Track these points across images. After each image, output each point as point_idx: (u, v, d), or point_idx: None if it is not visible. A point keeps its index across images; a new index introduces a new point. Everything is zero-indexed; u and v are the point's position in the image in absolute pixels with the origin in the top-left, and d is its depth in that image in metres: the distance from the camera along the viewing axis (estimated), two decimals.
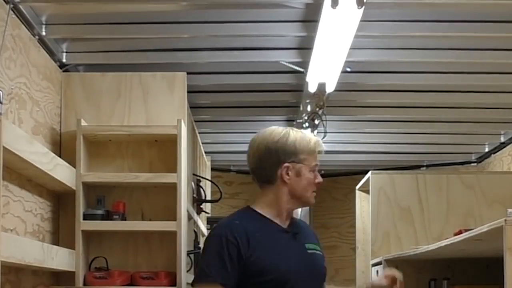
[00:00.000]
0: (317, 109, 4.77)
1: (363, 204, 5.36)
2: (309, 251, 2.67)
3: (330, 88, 4.18)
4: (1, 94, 2.72)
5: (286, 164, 2.56)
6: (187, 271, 3.93)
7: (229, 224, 2.59)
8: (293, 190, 2.59)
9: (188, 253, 4.02)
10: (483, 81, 4.44)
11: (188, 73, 3.91)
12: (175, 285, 3.62)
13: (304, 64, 3.96)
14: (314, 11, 3.30)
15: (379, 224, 4.62)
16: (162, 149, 3.81)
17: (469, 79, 4.40)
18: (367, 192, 4.97)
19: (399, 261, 4.17)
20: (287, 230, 2.65)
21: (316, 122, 4.90)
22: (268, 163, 2.58)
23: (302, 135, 2.59)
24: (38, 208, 3.36)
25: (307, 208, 7.78)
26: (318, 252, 2.72)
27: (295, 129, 2.63)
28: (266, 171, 2.59)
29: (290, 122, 5.50)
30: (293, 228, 2.68)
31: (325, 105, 4.69)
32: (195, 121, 4.81)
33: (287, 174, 2.56)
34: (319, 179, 2.62)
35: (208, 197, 5.17)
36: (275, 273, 2.51)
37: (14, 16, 3.07)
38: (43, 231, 3.44)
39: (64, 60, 3.85)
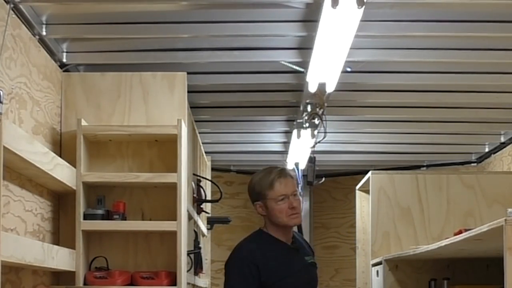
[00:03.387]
0: (317, 109, 4.77)
1: (363, 204, 5.36)
2: (309, 262, 3.14)
3: (330, 88, 4.18)
4: (1, 94, 2.71)
5: (256, 203, 3.05)
6: (187, 271, 3.93)
7: (246, 248, 3.04)
8: (271, 219, 3.04)
9: (188, 253, 4.02)
10: (483, 81, 4.44)
11: (188, 73, 3.92)
12: (175, 285, 3.62)
13: (304, 64, 3.96)
14: (314, 11, 3.30)
15: (379, 224, 4.62)
16: (162, 149, 3.81)
17: (469, 79, 4.40)
18: (367, 192, 4.97)
19: (399, 261, 4.18)
20: (292, 247, 3.09)
21: (316, 122, 4.90)
22: (251, 202, 3.10)
23: (263, 176, 3.04)
24: (38, 208, 3.37)
25: (308, 208, 7.78)
26: (313, 262, 3.18)
27: (266, 167, 3.10)
28: (254, 208, 3.10)
29: (290, 122, 5.50)
30: (295, 243, 3.12)
31: (325, 105, 4.69)
32: (195, 121, 4.81)
33: (261, 209, 3.04)
34: (292, 204, 3.00)
35: (208, 197, 5.17)
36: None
37: (14, 16, 3.07)
38: (43, 230, 3.45)
39: (64, 60, 3.85)
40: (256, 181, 3.04)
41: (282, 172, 3.03)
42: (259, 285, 2.93)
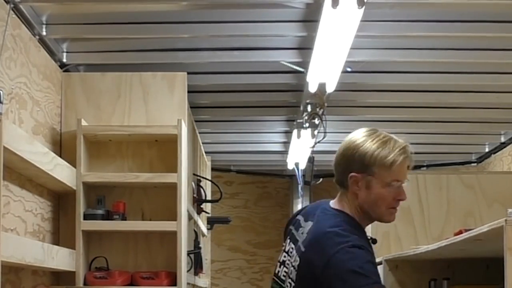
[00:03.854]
0: (317, 109, 4.77)
1: None
2: None
3: (330, 88, 4.18)
4: (1, 94, 2.71)
5: (353, 174, 2.30)
6: (187, 271, 3.93)
7: (358, 238, 2.30)
8: (363, 203, 2.34)
9: (188, 253, 4.02)
10: (483, 81, 4.45)
11: (188, 73, 3.92)
12: (175, 285, 3.62)
13: (304, 64, 3.96)
14: (314, 11, 3.30)
15: (379, 224, 4.60)
16: (162, 149, 3.81)
17: (469, 79, 4.40)
18: None
19: (399, 261, 4.17)
20: (372, 239, 2.49)
21: (316, 122, 4.90)
22: (340, 168, 2.35)
23: (382, 147, 2.29)
24: (38, 208, 3.36)
25: None
26: None
27: (383, 135, 2.33)
28: (340, 176, 2.36)
29: (290, 122, 5.50)
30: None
31: (325, 105, 4.69)
32: (195, 121, 4.81)
33: (356, 184, 2.32)
34: (402, 196, 2.34)
35: (208, 197, 5.17)
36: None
37: (14, 16, 3.07)
38: (43, 231, 3.44)
39: (64, 60, 3.85)
40: (370, 149, 2.28)
41: (408, 151, 2.31)
42: None
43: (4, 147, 2.46)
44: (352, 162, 2.30)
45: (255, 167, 7.47)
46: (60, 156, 3.54)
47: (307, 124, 4.94)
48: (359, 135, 2.33)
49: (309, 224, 2.35)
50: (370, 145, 2.29)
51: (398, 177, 2.30)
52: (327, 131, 4.83)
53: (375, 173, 2.28)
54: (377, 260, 4.43)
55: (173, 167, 3.67)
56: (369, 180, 2.29)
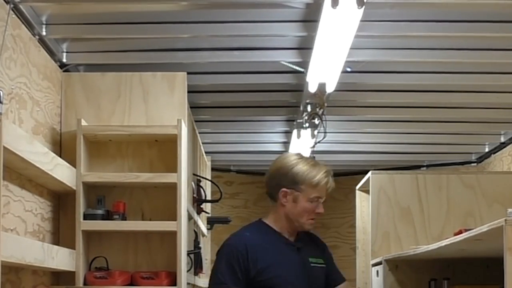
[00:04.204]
0: (317, 109, 4.77)
1: (363, 204, 5.35)
2: (312, 264, 3.00)
3: (330, 88, 4.18)
4: (1, 94, 2.72)
5: (284, 189, 2.86)
6: (187, 271, 3.93)
7: (240, 236, 2.93)
8: (289, 213, 2.89)
9: (188, 253, 4.02)
10: (483, 81, 4.44)
11: (188, 73, 3.92)
12: (175, 285, 3.62)
13: (304, 64, 3.96)
14: (314, 11, 3.30)
15: (379, 224, 4.61)
16: (162, 149, 3.81)
17: (469, 79, 4.40)
18: (367, 192, 4.97)
19: (399, 261, 4.17)
20: (292, 243, 2.96)
21: (316, 122, 4.90)
22: (272, 183, 2.91)
23: (310, 169, 2.85)
24: (38, 208, 3.36)
25: None
26: (319, 265, 3.05)
27: (312, 160, 2.94)
28: (271, 190, 2.92)
29: (290, 122, 5.50)
30: (299, 242, 2.99)
31: (325, 105, 4.70)
32: (195, 121, 4.81)
33: (285, 197, 2.87)
34: (320, 209, 2.89)
35: (208, 197, 5.17)
36: (276, 283, 2.84)
37: (14, 16, 3.07)
38: (43, 231, 3.44)
39: (64, 60, 3.85)
40: (301, 170, 2.83)
41: (330, 174, 2.89)
42: (248, 278, 2.81)
43: (4, 147, 2.46)
44: (284, 179, 2.84)
45: (255, 167, 7.47)
46: (60, 156, 3.54)
47: (307, 124, 4.93)
48: (292, 157, 2.89)
49: None
50: (301, 167, 2.83)
51: (320, 195, 2.86)
52: (327, 131, 4.83)
53: (302, 190, 2.83)
54: (377, 260, 4.45)
55: (173, 167, 3.67)
56: (297, 195, 2.84)
